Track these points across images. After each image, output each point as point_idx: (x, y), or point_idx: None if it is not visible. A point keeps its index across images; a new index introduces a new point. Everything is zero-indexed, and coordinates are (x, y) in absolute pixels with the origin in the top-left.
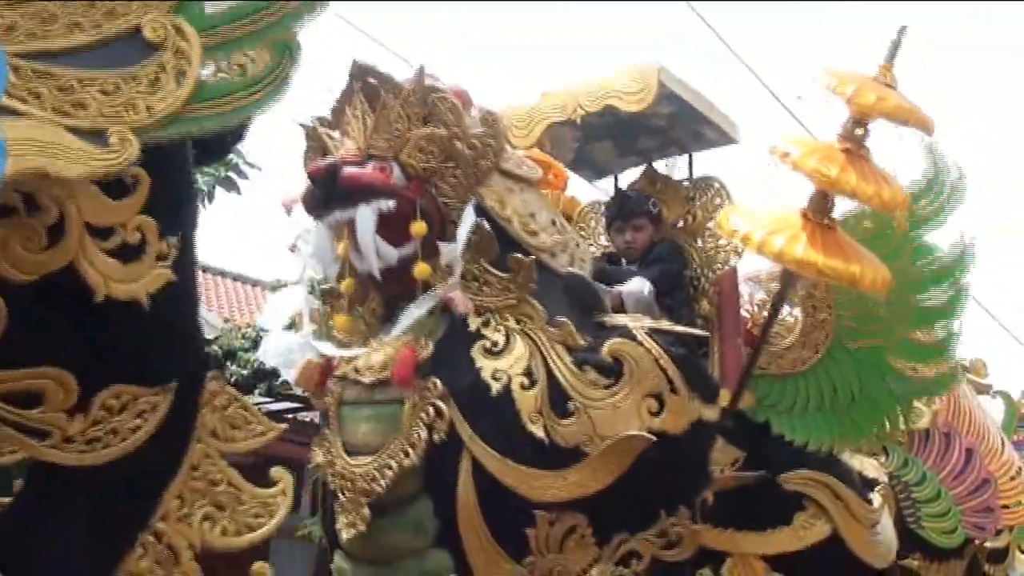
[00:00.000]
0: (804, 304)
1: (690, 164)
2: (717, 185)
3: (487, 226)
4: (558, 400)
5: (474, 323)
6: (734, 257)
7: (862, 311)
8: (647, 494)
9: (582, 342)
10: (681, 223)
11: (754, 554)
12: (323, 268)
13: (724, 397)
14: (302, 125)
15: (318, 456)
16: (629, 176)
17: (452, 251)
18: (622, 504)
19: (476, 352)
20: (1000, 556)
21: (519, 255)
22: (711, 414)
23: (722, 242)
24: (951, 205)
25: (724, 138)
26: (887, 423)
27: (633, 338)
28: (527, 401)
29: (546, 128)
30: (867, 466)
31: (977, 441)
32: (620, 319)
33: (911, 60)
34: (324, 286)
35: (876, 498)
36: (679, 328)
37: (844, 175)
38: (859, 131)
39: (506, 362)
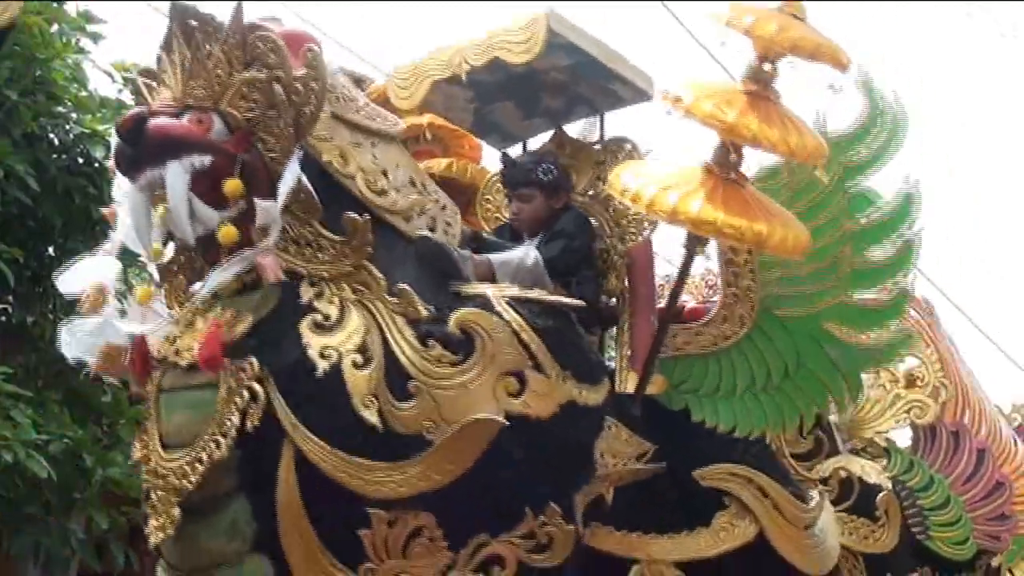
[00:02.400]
0: (724, 272)
1: (601, 125)
2: (629, 147)
3: (307, 182)
4: (397, 380)
5: (306, 294)
6: (649, 227)
7: (793, 275)
8: (508, 489)
9: (425, 313)
10: (592, 191)
11: (666, 560)
12: (139, 237)
13: (632, 381)
14: (126, 78)
15: (136, 452)
16: (541, 142)
17: (269, 211)
18: (477, 501)
19: (304, 327)
20: None
21: (352, 214)
22: (592, 397)
23: (636, 210)
24: (891, 148)
25: (637, 94)
26: (829, 399)
27: (490, 308)
28: (360, 382)
29: (431, 87)
30: (868, 470)
31: (989, 440)
32: (480, 288)
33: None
34: (165, 260)
35: (815, 496)
36: (550, 297)
37: (744, 119)
38: (765, 70)
39: (338, 338)
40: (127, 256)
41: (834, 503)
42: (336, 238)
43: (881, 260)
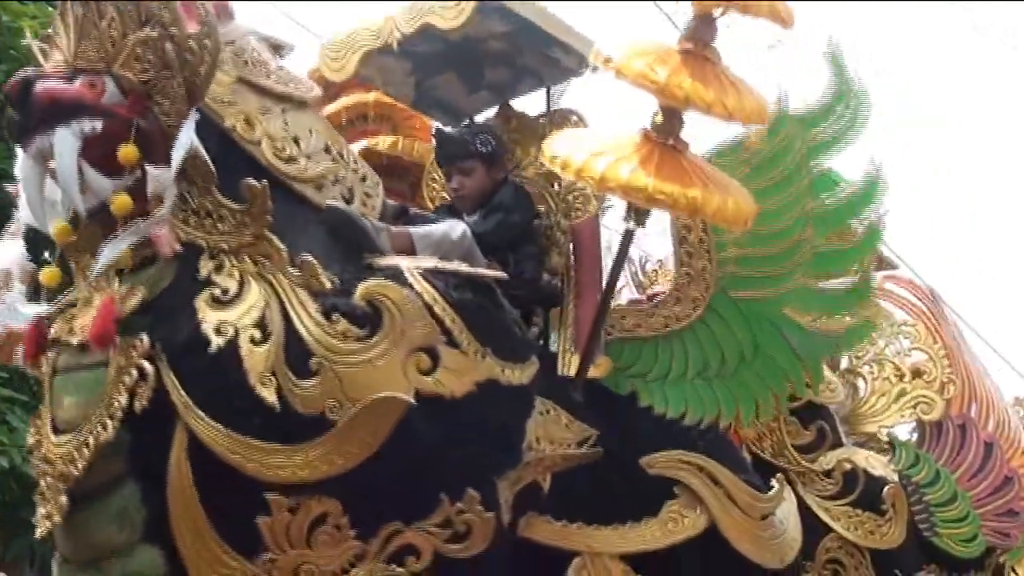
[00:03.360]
0: (677, 252)
1: (547, 97)
2: (575, 119)
3: (201, 148)
4: (298, 357)
5: (205, 268)
6: (595, 203)
7: (752, 256)
8: (421, 474)
9: (329, 285)
10: (537, 166)
11: (610, 553)
12: (32, 211)
13: (575, 364)
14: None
15: (29, 438)
16: (488, 117)
17: (160, 178)
18: (388, 486)
19: (201, 302)
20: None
21: (251, 180)
22: (517, 376)
23: (581, 185)
24: (856, 127)
25: (583, 63)
26: (788, 386)
27: (401, 280)
28: (257, 359)
29: (363, 58)
30: (873, 462)
31: (998, 433)
32: (393, 260)
33: None
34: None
35: (775, 485)
36: (468, 269)
37: (676, 79)
38: (703, 29)
39: (235, 312)
40: None
41: (838, 496)
42: (236, 207)
43: (846, 243)
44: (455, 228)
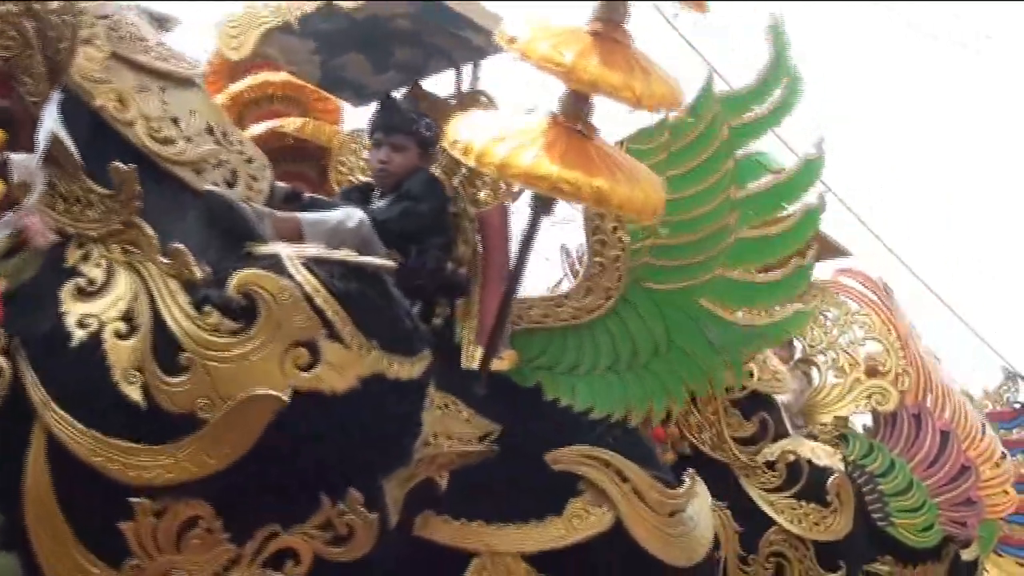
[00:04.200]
0: (589, 241)
1: (457, 77)
2: (484, 100)
3: (62, 131)
4: (166, 351)
5: (72, 257)
6: (505, 190)
7: (668, 245)
8: (299, 474)
9: (200, 275)
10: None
11: (512, 552)
12: None
13: (479, 356)
14: None
15: None
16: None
17: (23, 165)
18: (263, 488)
19: (65, 293)
20: (969, 571)
21: (118, 163)
22: (407, 370)
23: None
24: (787, 108)
25: (494, 43)
26: (705, 380)
27: (280, 269)
28: (122, 354)
29: (263, 37)
30: (819, 452)
31: (953, 423)
32: (274, 248)
33: None
34: None
35: (687, 481)
36: (356, 258)
37: (583, 61)
38: (612, 9)
39: (101, 304)
40: None
41: (782, 488)
42: (105, 192)
43: (774, 231)
44: (351, 216)
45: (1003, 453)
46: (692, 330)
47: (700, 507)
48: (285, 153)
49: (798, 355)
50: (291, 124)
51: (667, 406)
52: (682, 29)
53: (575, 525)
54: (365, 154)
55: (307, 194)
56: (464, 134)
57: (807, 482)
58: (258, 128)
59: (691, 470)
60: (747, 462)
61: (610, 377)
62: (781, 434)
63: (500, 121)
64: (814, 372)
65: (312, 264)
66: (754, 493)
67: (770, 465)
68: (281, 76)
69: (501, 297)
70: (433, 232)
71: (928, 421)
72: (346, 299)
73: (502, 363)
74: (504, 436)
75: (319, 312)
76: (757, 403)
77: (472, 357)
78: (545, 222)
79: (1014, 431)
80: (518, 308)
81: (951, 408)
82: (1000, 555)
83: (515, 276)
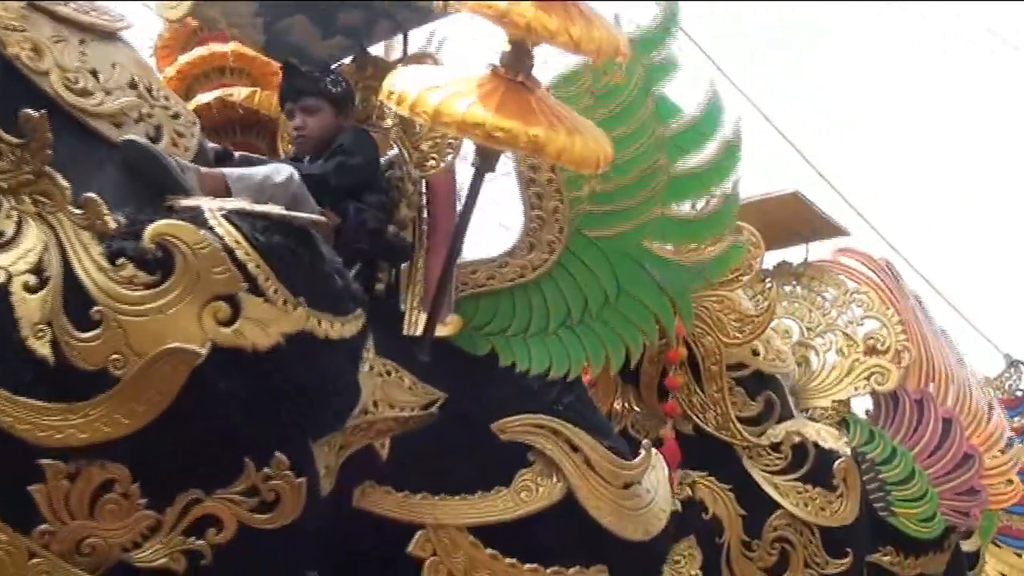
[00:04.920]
0: (525, 195)
1: (404, 41)
2: (430, 62)
3: None
4: (78, 306)
5: None
6: (452, 152)
7: (605, 190)
8: (221, 436)
9: (114, 225)
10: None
11: (457, 525)
12: None
13: (420, 322)
14: None
15: None
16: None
17: None
18: (183, 450)
19: None
20: (970, 563)
21: (29, 111)
22: (337, 330)
23: (437, 133)
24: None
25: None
26: (654, 323)
27: (200, 221)
28: (31, 308)
29: None
30: (824, 435)
31: (957, 409)
32: (196, 201)
33: None
34: None
35: (644, 452)
36: (282, 211)
37: (518, 6)
38: None
39: (10, 257)
40: None
41: (787, 471)
42: (16, 141)
43: (700, 166)
44: (280, 171)
45: (1009, 440)
46: (639, 274)
47: (658, 479)
48: (234, 124)
49: (795, 338)
50: (240, 93)
51: (624, 355)
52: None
53: (523, 497)
54: None
55: (239, 153)
56: (399, 84)
57: (813, 465)
58: (206, 97)
59: (647, 441)
60: (752, 442)
61: (564, 333)
62: (786, 415)
63: (438, 73)
64: (812, 356)
65: (235, 217)
66: (758, 475)
67: (775, 447)
68: (232, 46)
69: (445, 260)
70: (370, 189)
71: (931, 408)
72: (270, 253)
73: (446, 328)
74: (450, 404)
75: (240, 266)
76: (762, 382)
77: (415, 323)
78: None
79: (1015, 419)
80: (462, 273)
81: (955, 392)
82: (998, 546)
83: (456, 237)
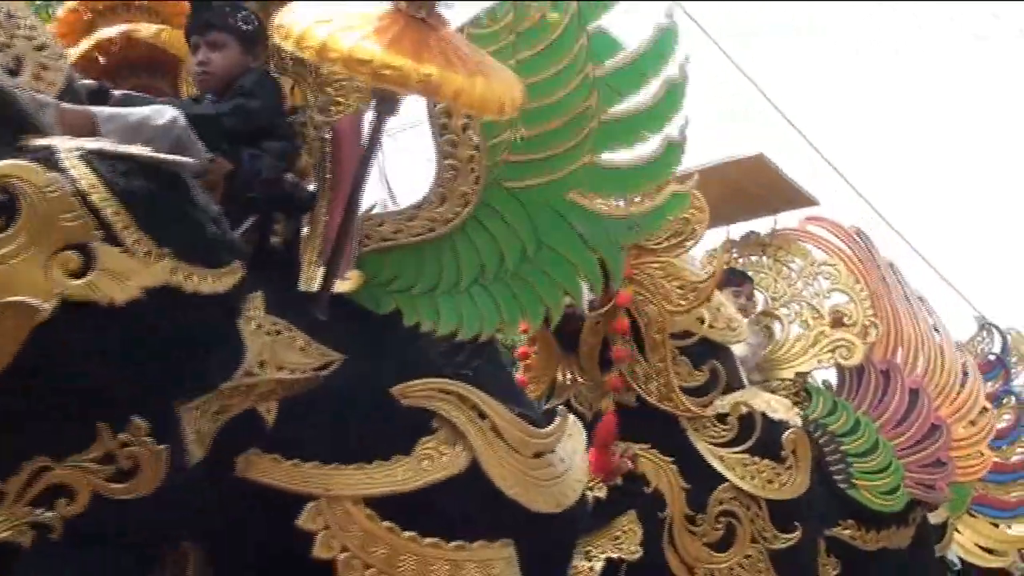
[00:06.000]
0: (438, 142)
1: None
2: None
3: None
4: None
5: None
6: (359, 97)
7: (527, 137)
8: (72, 398)
9: None
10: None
11: (352, 496)
12: None
13: (317, 278)
14: None
15: None
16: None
17: None
18: (28, 414)
19: None
20: (937, 535)
21: None
22: (211, 283)
23: (343, 77)
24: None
25: None
26: (578, 280)
27: (51, 162)
28: None
29: None
30: (775, 405)
31: (926, 379)
32: (51, 140)
33: None
34: None
35: (557, 419)
36: (150, 153)
37: None
38: None
39: None
40: None
41: (733, 443)
42: None
43: (636, 110)
44: (162, 112)
45: (984, 407)
46: (562, 227)
47: (574, 448)
48: (138, 63)
49: (760, 308)
50: (146, 30)
51: (542, 314)
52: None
53: (425, 467)
54: None
55: (120, 92)
56: (288, 18)
57: (761, 437)
58: (108, 32)
59: (562, 407)
60: (697, 413)
61: (476, 291)
62: (735, 386)
63: (335, 7)
64: (776, 326)
65: (92, 158)
66: (703, 447)
67: (721, 418)
68: None
69: (344, 211)
70: (271, 136)
71: (897, 378)
72: (130, 198)
73: (345, 285)
74: (347, 366)
75: (95, 211)
76: (708, 351)
77: (312, 279)
78: None
79: (989, 384)
80: (366, 226)
81: (924, 361)
82: (973, 515)
83: (356, 187)
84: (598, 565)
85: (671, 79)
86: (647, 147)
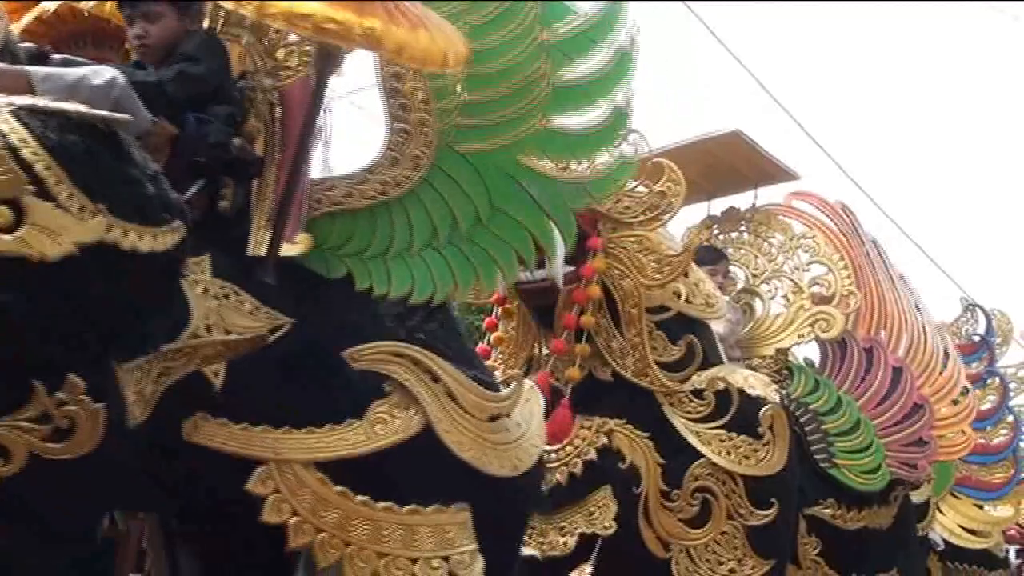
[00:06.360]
0: (389, 106)
1: None
2: None
3: None
4: None
5: None
6: (309, 61)
7: (479, 100)
8: (5, 356)
9: None
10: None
11: (303, 460)
12: None
13: (264, 242)
14: None
15: None
16: None
17: None
18: None
19: None
20: (919, 514)
21: None
22: (149, 242)
23: (294, 39)
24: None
25: None
26: (531, 243)
27: None
28: None
29: None
30: (753, 381)
31: (909, 357)
32: None
33: None
34: None
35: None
36: (84, 109)
37: None
38: None
39: None
40: None
41: (709, 418)
42: None
43: (589, 74)
44: (99, 73)
45: (964, 388)
46: (514, 191)
47: (531, 412)
48: (82, 36)
49: (740, 285)
50: (89, 1)
51: (496, 278)
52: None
53: (378, 431)
54: None
55: (60, 56)
56: None
57: (738, 412)
58: (51, 3)
59: (518, 372)
60: (672, 389)
61: (429, 255)
62: (712, 361)
63: None
64: (757, 303)
65: (23, 113)
66: (679, 423)
67: (697, 393)
68: None
69: (289, 171)
70: (218, 101)
71: (880, 356)
72: (63, 154)
73: (294, 248)
74: (298, 330)
75: (26, 166)
76: (685, 326)
77: (261, 243)
78: None
79: (973, 365)
80: (317, 190)
81: (907, 340)
82: (957, 496)
83: (301, 148)
84: (572, 540)
85: (621, 46)
86: (597, 113)
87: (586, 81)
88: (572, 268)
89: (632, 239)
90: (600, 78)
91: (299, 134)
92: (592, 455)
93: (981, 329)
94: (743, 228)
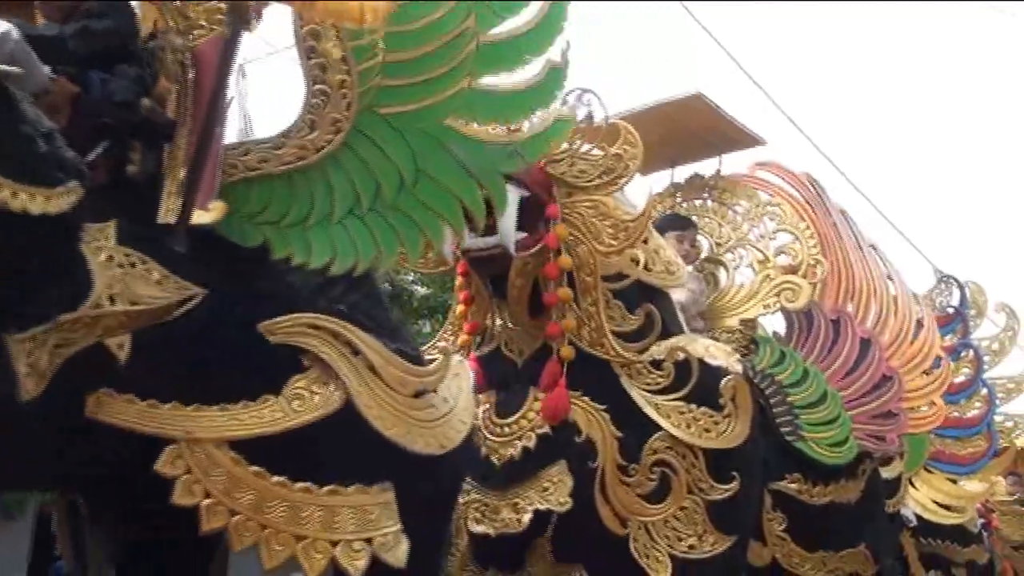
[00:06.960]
0: (307, 66)
1: None
2: None
3: None
4: None
5: None
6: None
7: (401, 60)
8: None
9: None
10: None
11: (215, 439)
12: None
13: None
14: None
15: None
16: None
17: None
18: None
19: None
20: (891, 490)
21: None
22: (41, 203)
23: (208, 2)
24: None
25: None
26: (459, 208)
27: None
28: None
29: None
30: (714, 351)
31: (878, 328)
32: None
33: None
34: None
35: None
36: None
37: None
38: None
39: None
40: None
41: (668, 390)
42: None
43: (519, 30)
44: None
45: (936, 359)
46: (440, 155)
47: (459, 388)
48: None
49: (704, 254)
50: None
51: (422, 245)
52: None
53: (295, 407)
54: None
55: None
56: None
57: (698, 383)
58: None
59: (445, 346)
60: (630, 359)
61: (351, 223)
62: (673, 331)
63: None
64: (721, 272)
65: None
66: (636, 394)
67: (656, 364)
68: None
69: (199, 134)
70: (126, 60)
71: (848, 328)
72: None
73: (207, 216)
74: (209, 301)
75: None
76: (643, 295)
77: (171, 210)
78: None
79: (947, 337)
80: (231, 155)
81: (876, 310)
82: (930, 471)
83: (211, 110)
84: (526, 517)
85: (552, 1)
86: (529, 71)
87: (516, 38)
88: (525, 234)
89: (587, 204)
90: (531, 34)
91: (210, 96)
92: (546, 428)
93: (955, 301)
94: (707, 195)
